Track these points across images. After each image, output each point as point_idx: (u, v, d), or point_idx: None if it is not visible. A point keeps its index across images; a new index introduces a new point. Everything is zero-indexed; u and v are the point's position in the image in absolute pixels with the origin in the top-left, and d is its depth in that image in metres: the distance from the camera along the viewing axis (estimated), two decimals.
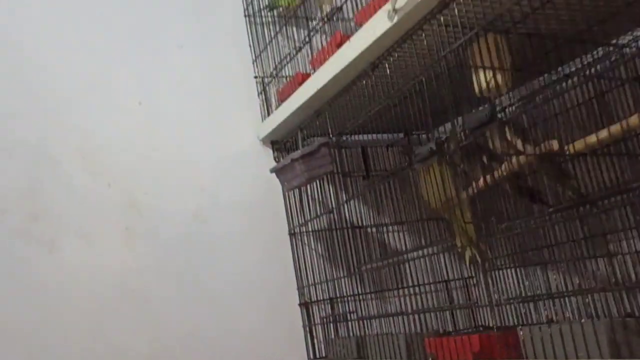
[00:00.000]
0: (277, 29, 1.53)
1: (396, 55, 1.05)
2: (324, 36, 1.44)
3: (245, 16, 1.55)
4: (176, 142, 1.41)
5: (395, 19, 0.95)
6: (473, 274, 1.42)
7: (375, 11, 1.01)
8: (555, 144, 0.95)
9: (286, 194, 1.43)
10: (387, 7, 0.97)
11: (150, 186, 1.34)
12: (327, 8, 1.44)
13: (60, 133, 1.28)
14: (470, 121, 0.91)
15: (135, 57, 1.42)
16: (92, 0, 1.40)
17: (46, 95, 1.29)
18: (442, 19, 0.92)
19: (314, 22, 1.54)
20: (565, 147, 0.96)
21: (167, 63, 1.45)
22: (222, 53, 1.52)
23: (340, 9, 1.23)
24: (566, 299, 0.94)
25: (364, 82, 1.14)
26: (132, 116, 1.37)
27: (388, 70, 1.09)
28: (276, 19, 1.55)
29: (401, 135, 1.52)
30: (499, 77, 0.96)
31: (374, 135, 1.49)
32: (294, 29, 1.53)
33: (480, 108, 0.92)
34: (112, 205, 1.30)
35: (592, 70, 0.96)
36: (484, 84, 0.96)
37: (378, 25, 1.00)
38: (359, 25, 1.09)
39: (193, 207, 1.37)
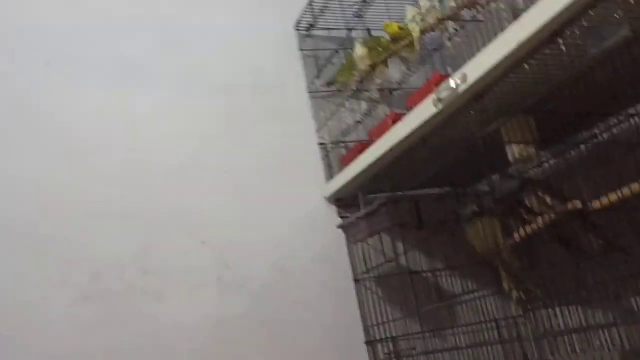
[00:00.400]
0: (337, 101, 1.82)
1: (441, 132, 1.31)
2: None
3: (308, 92, 1.86)
4: (256, 203, 1.69)
5: (440, 107, 1.22)
6: (520, 313, 1.63)
7: (423, 98, 1.28)
8: (578, 203, 1.17)
9: (351, 245, 1.69)
10: (433, 96, 1.23)
11: (236, 243, 1.62)
12: (378, 80, 1.74)
13: (165, 202, 1.58)
14: (503, 190, 1.15)
15: (220, 134, 1.73)
16: (185, 92, 1.72)
17: (153, 172, 1.60)
18: (478, 106, 1.18)
19: (369, 93, 1.83)
20: (589, 204, 1.19)
21: (245, 137, 1.75)
22: (290, 125, 1.81)
23: (392, 92, 1.50)
24: (593, 332, 1.14)
25: (416, 153, 1.40)
26: (221, 184, 1.67)
27: (435, 143, 1.35)
28: (335, 93, 1.85)
29: (448, 188, 1.78)
30: (528, 149, 1.20)
31: (425, 190, 1.75)
32: (351, 99, 1.81)
33: (511, 177, 1.16)
34: (206, 260, 1.58)
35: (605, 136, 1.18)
36: (516, 155, 1.21)
37: (426, 110, 1.26)
38: (410, 107, 1.36)
39: (273, 260, 1.64)
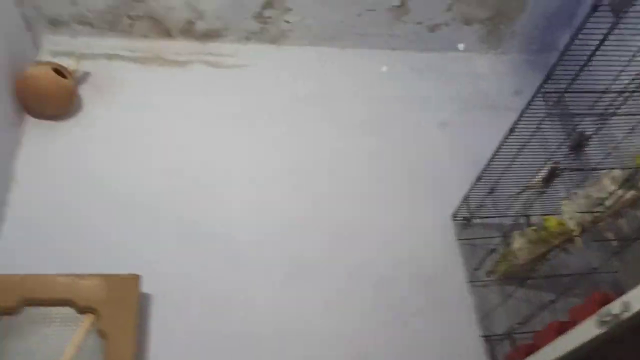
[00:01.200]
0: (500, 291, 1.90)
1: (607, 352, 1.33)
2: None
3: (468, 282, 1.96)
4: None
5: (604, 329, 1.26)
6: None
7: (586, 316, 1.32)
8: None
9: None
10: (596, 317, 1.28)
11: None
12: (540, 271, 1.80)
13: None
14: None
15: (381, 326, 1.87)
16: (350, 287, 1.93)
17: None
18: None
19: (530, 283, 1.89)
20: None
21: (406, 328, 1.87)
22: (451, 316, 1.91)
23: (553, 302, 1.57)
24: None
25: None
26: None
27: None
28: (496, 282, 1.94)
29: None
30: None
31: None
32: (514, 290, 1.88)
33: None
34: None
35: None
36: None
37: (589, 330, 1.30)
38: (572, 319, 1.41)
39: None
